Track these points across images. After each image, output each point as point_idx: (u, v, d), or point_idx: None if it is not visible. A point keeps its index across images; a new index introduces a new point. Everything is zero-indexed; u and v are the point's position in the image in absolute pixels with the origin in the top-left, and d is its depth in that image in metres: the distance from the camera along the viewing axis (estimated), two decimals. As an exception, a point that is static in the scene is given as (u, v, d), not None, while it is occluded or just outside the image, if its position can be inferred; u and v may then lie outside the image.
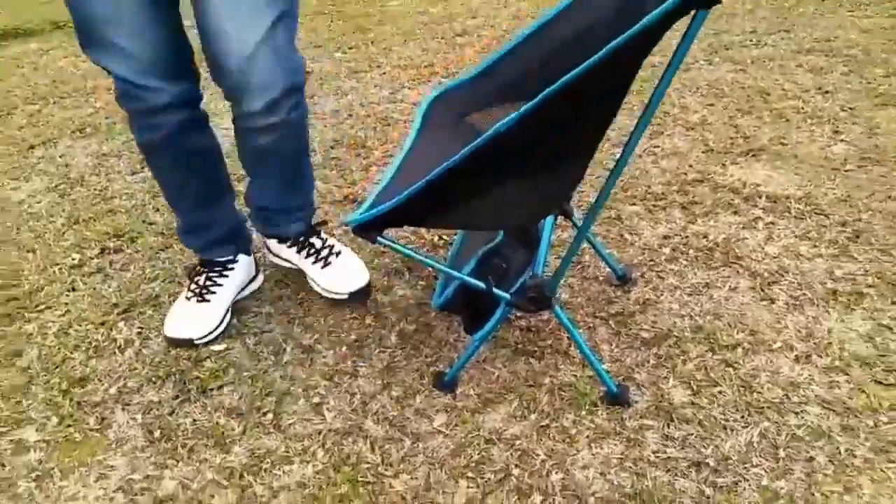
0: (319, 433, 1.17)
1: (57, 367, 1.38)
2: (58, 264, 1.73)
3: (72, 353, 1.42)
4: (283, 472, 1.10)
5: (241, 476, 1.10)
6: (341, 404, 1.23)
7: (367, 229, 1.03)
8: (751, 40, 2.98)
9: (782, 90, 2.40)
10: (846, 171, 1.84)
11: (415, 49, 3.31)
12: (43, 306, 1.58)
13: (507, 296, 1.10)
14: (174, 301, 1.50)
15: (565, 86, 0.82)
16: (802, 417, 1.12)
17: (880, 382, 1.17)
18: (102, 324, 1.49)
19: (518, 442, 1.12)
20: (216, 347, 1.39)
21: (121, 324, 1.49)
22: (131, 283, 1.64)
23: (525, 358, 1.29)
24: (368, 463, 1.10)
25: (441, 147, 1.22)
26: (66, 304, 1.58)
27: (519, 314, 1.37)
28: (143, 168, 2.26)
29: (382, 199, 1.09)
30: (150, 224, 1.89)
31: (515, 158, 0.92)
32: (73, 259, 1.75)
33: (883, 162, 1.86)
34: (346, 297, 1.46)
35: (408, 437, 1.15)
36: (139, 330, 1.47)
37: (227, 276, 1.45)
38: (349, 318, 1.45)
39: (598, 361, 1.18)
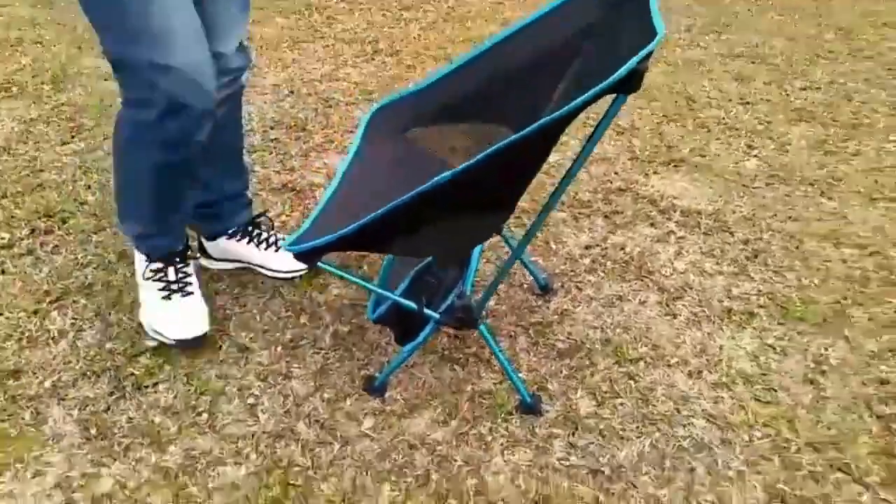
0: (253, 435, 1.24)
1: (-12, 357, 1.39)
2: (-15, 243, 1.71)
3: (3, 342, 1.43)
4: (218, 473, 1.18)
5: (177, 476, 1.17)
6: (274, 406, 1.30)
7: (309, 256, 1.09)
8: (685, 39, 3.10)
9: (707, 98, 2.54)
10: (754, 188, 2.00)
11: (360, 21, 3.29)
12: (-29, 290, 1.57)
13: (437, 315, 1.19)
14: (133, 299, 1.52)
15: (504, 147, 0.89)
16: (688, 430, 1.27)
17: (758, 399, 1.33)
18: (35, 312, 1.50)
19: (439, 448, 1.23)
20: (151, 343, 1.43)
21: (54, 313, 1.51)
22: (63, 268, 1.64)
23: (450, 365, 1.39)
24: (299, 466, 1.19)
25: (381, 168, 1.29)
26: (-4, 288, 1.58)
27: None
28: (73, 138, 2.21)
29: (323, 223, 1.15)
30: (82, 204, 1.88)
31: (461, 198, 1.00)
32: (1, 238, 1.73)
33: (788, 181, 2.03)
34: (305, 270, 1.57)
35: (337, 441, 1.24)
36: (73, 320, 1.49)
37: (190, 262, 1.47)
38: (284, 316, 1.51)
39: (515, 373, 1.30)
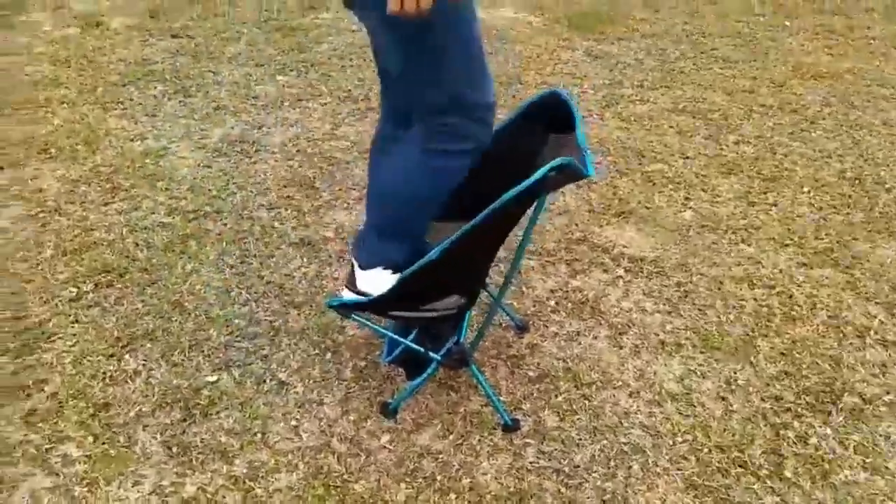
0: (299, 449, 1.63)
1: (81, 393, 1.76)
2: (57, 297, 2.07)
3: (90, 381, 1.80)
4: (275, 479, 1.56)
5: (245, 482, 1.55)
6: (312, 427, 1.69)
7: (345, 310, 1.49)
8: (637, 95, 3.56)
9: (654, 152, 2.99)
10: (688, 236, 2.44)
11: (351, 78, 3.69)
12: (55, 337, 1.93)
13: (438, 357, 1.60)
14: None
15: (468, 231, 1.32)
16: (628, 437, 1.69)
17: (681, 413, 1.75)
18: (111, 356, 1.87)
19: (441, 455, 1.62)
20: (209, 378, 1.81)
21: (127, 356, 1.88)
22: (127, 317, 2.01)
23: (447, 391, 1.79)
24: (336, 472, 1.58)
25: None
26: (74, 335, 1.94)
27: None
28: (114, 199, 2.57)
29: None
30: (133, 260, 2.25)
31: (453, 267, 1.41)
32: (70, 292, 2.10)
33: (716, 230, 2.47)
34: None
35: (363, 453, 1.63)
36: (143, 362, 1.86)
37: None
38: (313, 354, 1.90)
39: (498, 400, 1.70)
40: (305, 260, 2.27)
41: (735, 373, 1.87)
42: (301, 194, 2.63)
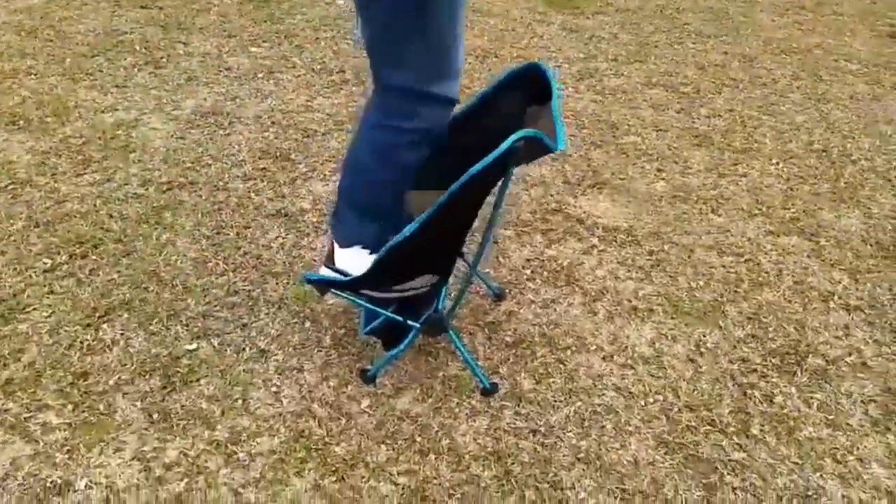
0: (280, 414, 1.65)
1: (58, 363, 1.76)
2: (31, 268, 2.05)
3: (67, 351, 1.79)
4: (257, 442, 1.58)
5: (226, 446, 1.57)
6: (293, 392, 1.71)
7: (322, 286, 1.50)
8: (612, 69, 3.59)
9: (628, 125, 3.03)
10: (660, 207, 2.48)
11: (326, 50, 3.66)
12: (30, 308, 1.91)
13: (417, 325, 1.62)
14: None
15: (438, 209, 1.34)
16: (602, 399, 1.74)
17: (652, 375, 1.80)
18: (88, 325, 1.87)
19: (420, 418, 1.66)
20: (188, 347, 1.82)
21: (104, 326, 1.87)
22: (103, 288, 2.00)
23: (425, 356, 1.82)
24: (317, 435, 1.60)
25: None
26: (50, 305, 1.93)
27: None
28: (86, 170, 2.54)
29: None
30: (108, 231, 2.23)
31: (426, 245, 1.43)
32: (44, 263, 2.07)
33: (687, 201, 2.52)
34: None
35: (343, 417, 1.65)
36: (121, 332, 1.86)
37: None
38: (292, 322, 1.91)
39: (476, 364, 1.74)
40: (283, 230, 2.27)
41: (704, 336, 1.93)
42: (276, 166, 2.62)
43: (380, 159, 1.51)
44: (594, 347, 1.88)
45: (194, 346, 1.82)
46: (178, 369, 1.75)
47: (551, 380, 1.78)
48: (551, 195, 2.51)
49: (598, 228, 2.34)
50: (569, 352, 1.86)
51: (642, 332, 1.94)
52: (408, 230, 1.40)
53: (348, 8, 4.25)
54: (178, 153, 2.66)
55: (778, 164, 2.78)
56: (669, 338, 1.92)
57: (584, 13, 4.38)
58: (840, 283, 2.15)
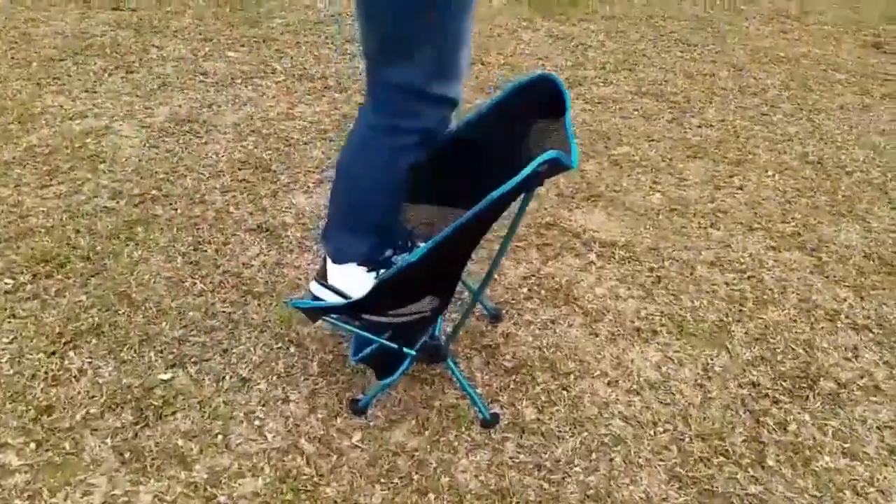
0: (264, 451, 1.52)
1: (20, 395, 1.61)
2: (-10, 289, 1.89)
3: (30, 381, 1.64)
4: (239, 484, 1.45)
5: (205, 489, 1.44)
6: (278, 426, 1.58)
7: (312, 313, 1.38)
8: (600, 77, 3.51)
9: (620, 135, 2.95)
10: (657, 220, 2.40)
11: (307, 55, 3.53)
12: (-12, 334, 1.76)
13: (413, 352, 1.50)
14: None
15: (449, 235, 1.23)
16: (609, 428, 1.63)
17: (661, 402, 1.71)
18: (53, 353, 1.72)
19: (417, 453, 1.54)
20: (163, 376, 1.68)
21: (71, 353, 1.72)
22: (69, 310, 1.85)
23: (420, 384, 1.70)
24: (306, 475, 1.48)
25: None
26: (11, 331, 1.77)
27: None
28: (51, 181, 2.38)
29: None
30: (74, 248, 2.07)
31: (432, 270, 1.32)
32: (5, 284, 1.92)
33: (685, 214, 2.44)
34: None
35: (333, 453, 1.53)
36: (89, 359, 1.71)
37: None
38: (276, 347, 1.78)
39: (474, 392, 1.63)
40: (264, 246, 2.14)
41: (711, 359, 1.84)
42: (257, 177, 2.48)
43: (378, 163, 1.39)
44: (598, 372, 1.78)
45: (169, 375, 1.68)
46: (152, 402, 1.61)
47: (555, 408, 1.67)
48: (545, 208, 2.41)
49: (595, 244, 2.25)
50: (571, 377, 1.76)
51: (647, 354, 1.84)
52: (417, 254, 1.29)
53: (329, 12, 4.12)
54: (152, 163, 2.51)
55: (774, 175, 2.72)
56: (676, 361, 1.83)
57: (570, 20, 4.32)
58: (846, 301, 2.08)
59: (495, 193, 1.22)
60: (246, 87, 3.16)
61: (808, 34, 4.36)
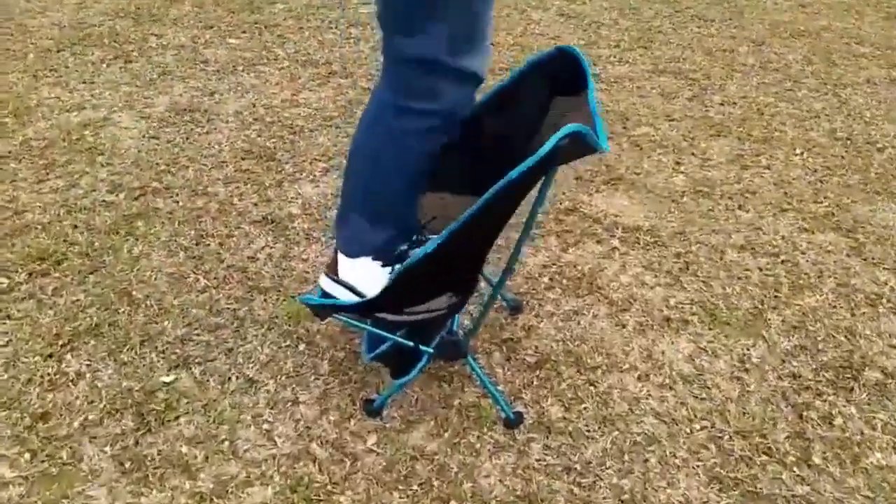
0: (273, 458, 1.42)
1: (15, 401, 1.51)
2: (-16, 289, 1.80)
3: (26, 386, 1.55)
4: (248, 493, 1.36)
5: (211, 500, 1.34)
6: (288, 430, 1.48)
7: (324, 312, 1.28)
8: (615, 56, 3.38)
9: (638, 115, 2.82)
10: (682, 202, 2.28)
11: (311, 40, 3.41)
12: (-19, 337, 1.67)
13: (430, 350, 1.40)
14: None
15: (466, 221, 1.12)
16: (641, 427, 1.53)
17: (696, 397, 1.60)
18: (50, 356, 1.63)
19: (436, 457, 1.44)
20: (165, 379, 1.58)
21: (68, 356, 1.63)
22: (67, 310, 1.76)
23: (438, 382, 1.60)
24: (318, 483, 1.38)
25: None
26: (6, 333, 1.68)
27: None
28: (48, 176, 2.28)
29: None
30: (72, 244, 1.98)
31: (450, 261, 1.21)
32: (0, 283, 1.83)
33: (711, 195, 2.32)
34: None
35: (347, 458, 1.43)
36: (87, 362, 1.62)
37: None
38: (284, 346, 1.68)
39: (496, 390, 1.52)
40: (270, 239, 2.04)
41: (748, 349, 1.72)
42: (261, 167, 2.38)
43: (393, 149, 1.26)
44: (627, 366, 1.67)
45: (172, 377, 1.58)
46: (154, 406, 1.52)
47: (582, 406, 1.56)
48: (564, 193, 2.30)
49: (617, 229, 2.13)
50: (599, 372, 1.65)
51: (678, 346, 1.73)
52: (432, 244, 1.18)
53: (332, -4, 3.99)
54: (152, 154, 2.41)
55: (802, 154, 2.59)
56: (709, 352, 1.71)
57: (581, -2, 4.17)
58: (887, 284, 1.96)
59: (513, 174, 1.11)
60: (248, 74, 3.04)
61: (828, 7, 4.19)
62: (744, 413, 1.56)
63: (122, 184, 2.25)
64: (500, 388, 1.59)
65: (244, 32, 3.47)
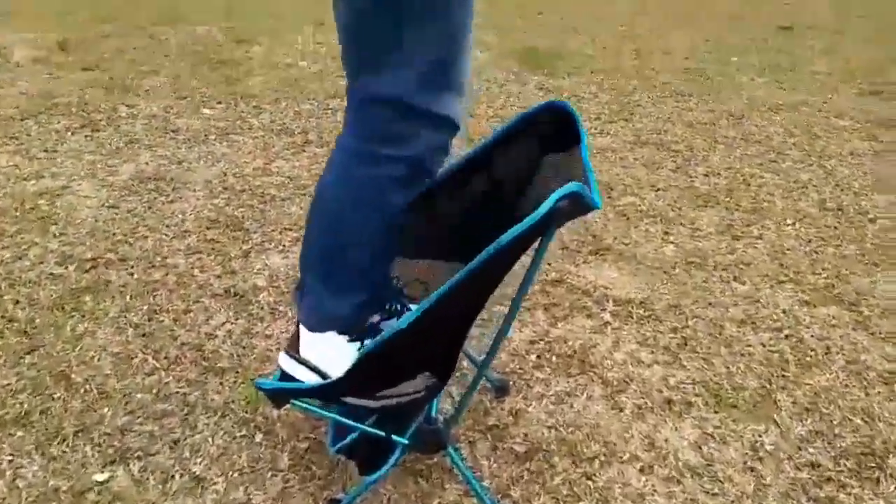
0: (219, 573, 1.20)
1: (-86, 507, 1.29)
2: None
3: (-69, 488, 1.33)
4: None
5: None
6: (238, 538, 1.27)
7: (281, 396, 1.10)
8: (596, 128, 3.33)
9: (623, 185, 2.73)
10: (674, 274, 2.15)
11: (287, 110, 3.34)
12: None
13: (405, 441, 1.21)
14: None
15: (446, 293, 0.97)
16: (647, 528, 1.33)
17: (707, 492, 1.41)
18: (-35, 450, 1.41)
19: (411, 570, 1.23)
20: (98, 477, 1.37)
21: (-13, 450, 1.41)
22: (-6, 396, 1.55)
23: (413, 478, 1.40)
24: None
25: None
26: (-83, 424, 1.47)
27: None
28: (-7, 246, 2.11)
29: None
30: (11, 321, 1.79)
31: (426, 338, 1.05)
32: (-81, 366, 1.62)
33: (704, 266, 2.20)
34: None
35: (307, 572, 1.21)
36: (10, 456, 1.40)
37: None
38: (239, 437, 1.48)
39: (483, 488, 1.32)
40: (231, 314, 1.86)
41: (759, 436, 1.55)
42: (227, 237, 2.22)
43: (356, 200, 1.11)
44: (627, 456, 1.48)
45: (106, 475, 1.37)
46: (82, 510, 1.30)
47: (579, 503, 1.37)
48: (549, 264, 2.16)
49: (608, 302, 1.99)
50: (596, 463, 1.46)
51: (683, 432, 1.55)
52: (407, 318, 1.02)
53: (312, 70, 3.97)
54: (109, 224, 2.25)
55: (794, 224, 2.50)
56: (717, 439, 1.54)
57: (559, 74, 4.19)
58: (899, 360, 1.82)
59: (505, 237, 0.97)
60: (220, 143, 2.94)
61: (804, 84, 4.25)
62: (762, 510, 1.38)
63: (74, 255, 2.07)
64: (485, 483, 1.40)
65: (219, 103, 3.39)
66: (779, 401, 1.66)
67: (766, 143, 3.26)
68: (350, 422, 1.22)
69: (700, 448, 1.51)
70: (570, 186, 0.95)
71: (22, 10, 4.52)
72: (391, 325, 1.06)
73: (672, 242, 2.34)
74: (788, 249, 2.33)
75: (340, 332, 1.21)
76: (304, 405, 1.19)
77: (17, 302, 1.86)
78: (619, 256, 2.24)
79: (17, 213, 2.29)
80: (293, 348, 1.26)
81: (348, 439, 1.28)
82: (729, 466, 1.47)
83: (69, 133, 2.94)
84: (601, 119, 3.46)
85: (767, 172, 2.93)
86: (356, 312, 1.21)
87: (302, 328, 1.25)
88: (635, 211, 2.54)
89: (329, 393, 1.16)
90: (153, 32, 4.64)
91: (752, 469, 1.47)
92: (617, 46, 4.94)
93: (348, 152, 1.12)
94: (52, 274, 1.98)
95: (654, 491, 1.41)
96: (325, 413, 1.23)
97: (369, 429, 1.21)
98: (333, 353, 1.20)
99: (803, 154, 3.15)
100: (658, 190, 2.72)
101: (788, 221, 2.52)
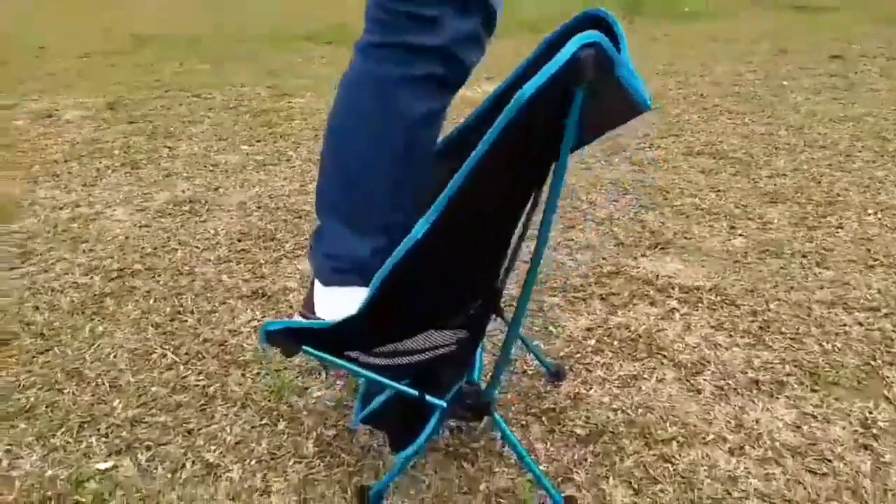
0: (226, 564, 1.01)
1: None
2: None
3: (-82, 480, 1.19)
4: None
5: None
6: (252, 527, 1.08)
7: (287, 341, 0.93)
8: (644, 143, 3.17)
9: (679, 188, 2.54)
10: (747, 263, 1.92)
11: (324, 144, 3.29)
12: None
13: (443, 403, 1.02)
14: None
15: (467, 176, 0.80)
16: (745, 514, 1.08)
17: (814, 472, 1.16)
18: (-40, 443, 1.27)
19: (455, 560, 1.01)
20: (100, 465, 1.21)
21: (-16, 442, 1.28)
22: (3, 390, 1.42)
23: (457, 462, 1.19)
24: None
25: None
26: (-84, 420, 1.35)
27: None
28: (23, 263, 2.04)
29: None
30: (28, 325, 1.68)
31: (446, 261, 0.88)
32: (-72, 366, 1.52)
33: (780, 255, 1.96)
34: None
35: (330, 563, 1.01)
36: (8, 447, 1.26)
37: None
38: (259, 425, 1.31)
39: (536, 466, 1.11)
40: (258, 312, 1.72)
41: (870, 412, 1.29)
42: (258, 247, 2.12)
43: (380, 107, 0.96)
44: (711, 437, 1.24)
45: (109, 464, 1.21)
46: (78, 498, 1.13)
47: (658, 487, 1.13)
48: (603, 258, 1.97)
49: (673, 290, 1.77)
50: (675, 445, 1.23)
51: (776, 412, 1.31)
52: (419, 227, 0.85)
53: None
54: (139, 240, 2.17)
55: (876, 213, 2.25)
56: (820, 418, 1.29)
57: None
58: None
59: (521, 94, 0.79)
60: (257, 172, 2.89)
61: (864, 99, 4.02)
62: (885, 489, 1.11)
63: (100, 267, 1.99)
64: (541, 466, 1.18)
65: (259, 141, 3.38)
66: (888, 377, 1.39)
67: (833, 148, 3.03)
68: (382, 378, 1.03)
69: (800, 428, 1.26)
70: (590, 35, 0.78)
71: (79, 82, 4.73)
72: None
73: (741, 235, 2.12)
74: (873, 236, 2.08)
75: (360, 285, 1.03)
76: (320, 354, 1.01)
77: (37, 308, 1.76)
78: (682, 250, 2.03)
79: (49, 235, 2.24)
80: (308, 307, 1.10)
81: (373, 404, 1.09)
82: (838, 445, 1.22)
83: (109, 171, 2.94)
84: (650, 136, 3.30)
85: (838, 171, 2.70)
86: (376, 258, 1.04)
87: (317, 284, 1.09)
88: (695, 209, 2.34)
89: (336, 334, 0.98)
90: (200, 93, 4.77)
91: (866, 447, 1.21)
92: (661, 80, 4.83)
93: (364, 51, 0.98)
94: (76, 283, 1.90)
95: (749, 473, 1.16)
96: (346, 364, 1.04)
97: (400, 386, 1.02)
98: (351, 308, 1.03)
99: (875, 154, 2.90)
100: (718, 191, 2.52)
101: (869, 211, 2.27)
